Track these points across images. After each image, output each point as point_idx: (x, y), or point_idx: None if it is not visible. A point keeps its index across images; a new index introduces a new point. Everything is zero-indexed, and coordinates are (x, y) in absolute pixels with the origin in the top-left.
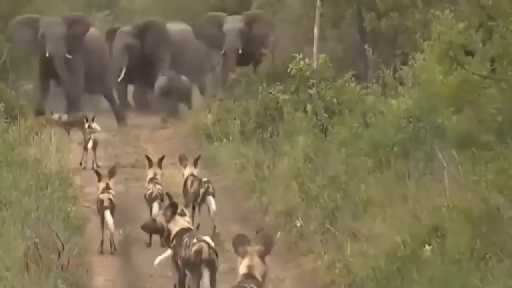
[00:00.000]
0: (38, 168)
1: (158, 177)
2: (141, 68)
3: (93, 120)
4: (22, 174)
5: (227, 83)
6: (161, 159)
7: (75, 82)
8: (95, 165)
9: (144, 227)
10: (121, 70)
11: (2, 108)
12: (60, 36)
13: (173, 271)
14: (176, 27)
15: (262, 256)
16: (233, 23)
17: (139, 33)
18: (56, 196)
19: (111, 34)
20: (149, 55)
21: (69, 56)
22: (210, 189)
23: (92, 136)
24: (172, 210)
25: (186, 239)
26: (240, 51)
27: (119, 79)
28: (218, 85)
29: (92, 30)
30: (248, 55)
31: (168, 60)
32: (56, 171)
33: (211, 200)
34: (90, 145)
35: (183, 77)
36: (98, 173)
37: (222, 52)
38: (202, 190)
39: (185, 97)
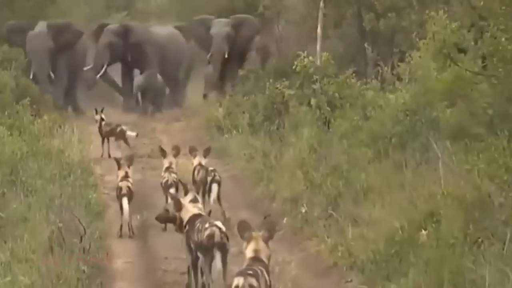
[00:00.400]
0: (61, 158)
1: (173, 166)
2: (124, 66)
3: (102, 111)
4: (46, 163)
5: (215, 84)
6: (177, 151)
7: (58, 91)
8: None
9: (158, 218)
10: (101, 67)
11: (28, 103)
12: (45, 51)
13: (187, 254)
14: (163, 30)
15: (266, 241)
16: (220, 27)
17: (123, 33)
18: (78, 184)
19: (99, 30)
20: (132, 54)
21: (52, 75)
22: (217, 177)
23: (124, 128)
24: (176, 205)
25: (198, 224)
26: (226, 55)
27: (98, 76)
28: (208, 86)
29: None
30: (235, 57)
31: (151, 60)
32: (78, 161)
33: (213, 188)
34: (133, 135)
35: (159, 76)
36: (117, 161)
37: (209, 55)
38: (209, 178)
39: (161, 96)
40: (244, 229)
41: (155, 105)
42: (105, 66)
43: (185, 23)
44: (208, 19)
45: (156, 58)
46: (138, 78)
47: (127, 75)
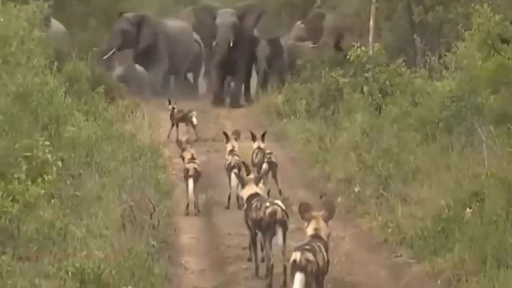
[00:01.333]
0: (133, 141)
1: (236, 149)
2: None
3: (175, 102)
4: (119, 146)
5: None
6: (237, 135)
7: None
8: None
9: None
10: (110, 49)
11: (103, 90)
12: None
13: (247, 230)
14: (173, 23)
15: (326, 220)
16: (225, 16)
17: (137, 22)
18: (148, 165)
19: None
20: (144, 44)
21: None
22: (273, 160)
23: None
24: (241, 182)
25: (255, 203)
26: (231, 44)
27: (104, 57)
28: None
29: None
30: (239, 46)
31: (162, 52)
32: (148, 144)
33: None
34: (194, 121)
35: (138, 67)
36: (180, 144)
37: (215, 43)
38: (265, 161)
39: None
40: (305, 210)
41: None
42: (113, 50)
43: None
44: (213, 8)
45: (167, 50)
46: (117, 69)
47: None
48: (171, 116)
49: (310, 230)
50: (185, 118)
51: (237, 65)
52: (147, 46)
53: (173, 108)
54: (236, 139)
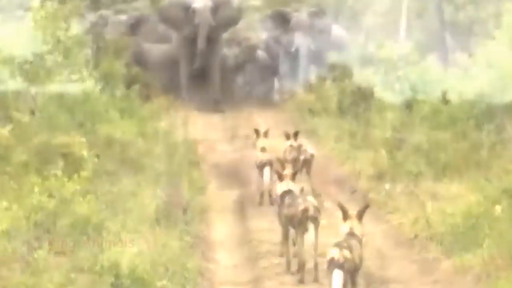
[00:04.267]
0: (167, 138)
1: (267, 146)
2: None
3: None
4: (154, 143)
5: None
6: (266, 132)
7: None
8: None
9: None
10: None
11: (138, 88)
12: None
13: (280, 226)
14: None
15: (359, 219)
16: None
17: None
18: (182, 162)
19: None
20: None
21: None
22: (308, 157)
23: None
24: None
25: (287, 200)
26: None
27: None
28: None
29: None
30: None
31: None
32: (182, 141)
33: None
34: None
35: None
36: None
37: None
38: (302, 157)
39: None
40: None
41: None
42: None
43: None
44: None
45: None
46: None
47: None
48: None
49: (346, 228)
50: None
51: (211, 72)
52: None
53: None
54: (266, 136)
